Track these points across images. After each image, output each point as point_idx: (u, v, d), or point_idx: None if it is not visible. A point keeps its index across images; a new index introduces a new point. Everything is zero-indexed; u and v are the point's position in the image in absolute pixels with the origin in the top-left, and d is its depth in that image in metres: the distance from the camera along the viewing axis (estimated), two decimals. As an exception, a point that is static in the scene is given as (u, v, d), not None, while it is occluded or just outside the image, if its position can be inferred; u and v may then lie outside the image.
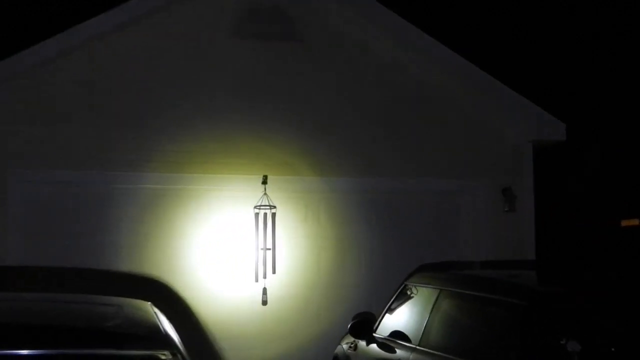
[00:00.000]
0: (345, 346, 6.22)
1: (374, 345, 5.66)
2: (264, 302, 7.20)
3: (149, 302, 4.06)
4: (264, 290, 7.19)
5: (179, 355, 3.13)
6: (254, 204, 7.25)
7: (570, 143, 8.25)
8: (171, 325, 3.64)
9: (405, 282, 5.80)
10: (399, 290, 5.85)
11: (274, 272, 7.21)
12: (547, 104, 8.21)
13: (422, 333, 5.09)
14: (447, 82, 7.92)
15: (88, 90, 7.24)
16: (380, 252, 7.75)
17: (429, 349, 4.90)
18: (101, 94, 7.28)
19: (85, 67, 7.24)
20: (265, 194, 7.28)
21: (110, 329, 3.30)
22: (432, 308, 5.15)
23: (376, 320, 5.87)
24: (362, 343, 5.87)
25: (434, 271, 5.90)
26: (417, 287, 5.61)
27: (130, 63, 7.34)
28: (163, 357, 3.08)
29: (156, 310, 3.87)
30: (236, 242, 7.42)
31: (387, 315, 5.80)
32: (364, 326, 5.86)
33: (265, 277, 7.16)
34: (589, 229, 11.84)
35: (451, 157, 7.88)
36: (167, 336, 3.30)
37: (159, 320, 3.57)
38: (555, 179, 10.44)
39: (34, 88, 7.12)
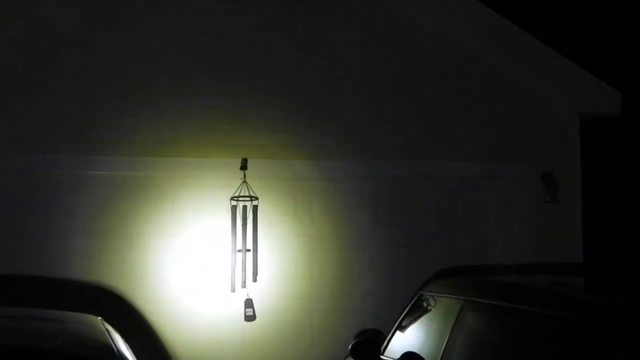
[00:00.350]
0: (345, 372, 6.24)
1: (381, 371, 5.68)
2: (248, 317, 7.19)
3: (99, 317, 4.07)
4: (248, 302, 7.18)
5: (137, 384, 3.13)
6: (231, 195, 7.23)
7: (626, 116, 8.24)
8: (127, 346, 3.65)
9: (421, 292, 5.82)
10: (412, 302, 5.87)
11: (254, 279, 7.20)
12: (597, 69, 8.21)
13: (442, 355, 5.11)
14: (471, 37, 7.90)
15: (24, 57, 7.21)
16: (389, 254, 7.77)
17: (450, 374, 4.92)
18: (40, 59, 7.24)
19: (19, 27, 7.22)
20: (244, 181, 7.27)
21: (50, 349, 3.30)
22: (455, 324, 5.18)
23: (384, 340, 5.88)
24: (366, 368, 5.88)
25: (457, 277, 5.91)
26: (436, 298, 5.64)
27: (76, 24, 7.32)
28: (117, 386, 3.07)
29: (108, 327, 3.88)
30: (208, 242, 7.42)
31: (397, 332, 5.83)
32: (368, 346, 5.88)
33: (244, 286, 7.15)
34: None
35: (477, 135, 7.87)
36: (121, 359, 3.30)
37: (112, 339, 3.58)
38: (607, 162, 10.45)
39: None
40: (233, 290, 7.16)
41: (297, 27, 7.70)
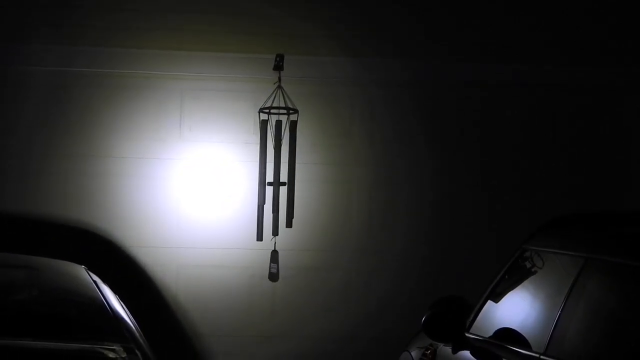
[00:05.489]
0: (415, 353, 6.35)
1: (466, 353, 5.76)
2: (273, 275, 7.33)
3: (83, 266, 4.18)
4: (274, 256, 7.31)
5: (137, 353, 3.23)
6: (260, 106, 7.29)
7: None
8: (121, 304, 3.75)
9: (524, 246, 5.84)
10: (511, 261, 5.91)
11: (289, 224, 7.30)
12: None
13: (552, 333, 5.16)
14: None
15: None
16: (473, 194, 7.90)
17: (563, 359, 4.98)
18: None
19: None
20: (279, 86, 7.32)
21: (22, 304, 3.41)
22: (571, 290, 5.21)
23: (471, 312, 5.95)
24: (445, 348, 5.99)
25: (576, 228, 5.92)
26: (544, 255, 5.66)
27: None
28: (112, 355, 3.17)
29: (95, 277, 3.99)
30: (227, 170, 7.59)
31: (490, 302, 5.88)
32: (448, 320, 5.95)
33: (275, 232, 7.26)
34: None
35: (607, 28, 7.82)
36: (117, 320, 3.41)
37: (102, 294, 3.68)
38: None
39: None
40: (260, 239, 7.26)
41: None
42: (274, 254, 7.40)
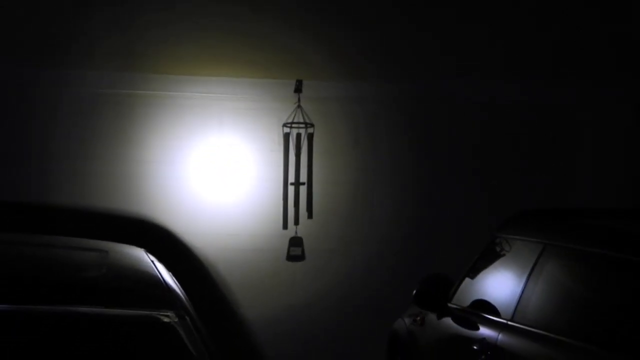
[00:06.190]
0: (408, 320, 6.36)
1: (448, 319, 5.78)
2: (293, 257, 7.38)
3: (142, 249, 4.20)
4: (295, 241, 7.35)
5: (187, 318, 3.25)
6: (283, 121, 7.32)
7: None
8: (173, 279, 3.77)
9: (495, 233, 5.84)
10: (485, 246, 5.90)
11: (309, 216, 7.33)
12: None
13: (517, 304, 5.16)
14: None
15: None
16: (461, 193, 7.90)
17: (526, 326, 4.97)
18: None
19: None
20: (299, 106, 7.34)
21: (94, 280, 3.43)
22: (533, 269, 5.20)
23: (452, 286, 5.95)
24: (431, 316, 6.00)
25: (537, 220, 5.90)
26: (512, 241, 5.65)
27: None
28: (166, 320, 3.19)
29: (152, 258, 4.01)
30: (258, 173, 7.62)
31: (467, 279, 5.88)
32: (435, 293, 5.95)
33: (297, 222, 7.29)
34: None
35: (565, 53, 7.78)
36: (170, 292, 3.44)
37: (158, 272, 3.70)
38: None
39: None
40: (285, 227, 7.31)
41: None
42: (294, 240, 7.43)
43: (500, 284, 5.57)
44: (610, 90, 7.87)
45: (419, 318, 6.17)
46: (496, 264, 5.75)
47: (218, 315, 7.22)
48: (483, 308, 5.51)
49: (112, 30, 7.29)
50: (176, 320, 3.18)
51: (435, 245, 7.78)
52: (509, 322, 5.12)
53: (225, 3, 7.14)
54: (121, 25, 7.26)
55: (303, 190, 7.38)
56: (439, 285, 6.02)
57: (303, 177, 7.37)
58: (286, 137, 7.32)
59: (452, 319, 5.76)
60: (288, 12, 7.17)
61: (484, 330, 5.30)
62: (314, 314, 7.69)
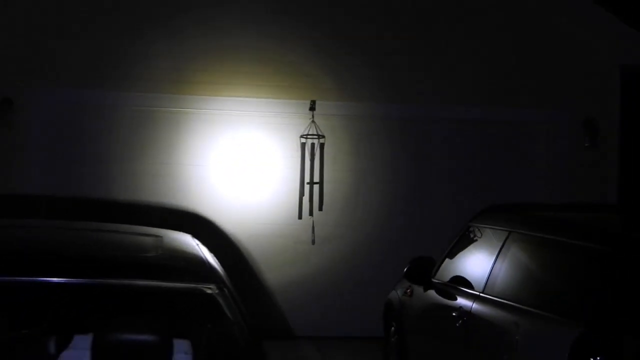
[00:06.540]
0: (400, 292, 6.36)
1: (432, 292, 5.78)
2: (313, 241, 7.37)
3: (189, 235, 4.21)
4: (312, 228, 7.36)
5: (225, 290, 3.26)
6: (300, 133, 7.34)
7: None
8: (214, 258, 3.78)
9: (470, 223, 5.84)
10: (461, 232, 5.91)
11: (320, 208, 7.35)
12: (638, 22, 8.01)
13: (487, 279, 5.16)
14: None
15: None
16: (441, 192, 7.86)
17: (494, 296, 4.98)
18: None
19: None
20: (312, 121, 7.36)
21: (152, 259, 3.45)
22: (499, 252, 5.20)
23: (435, 265, 5.95)
24: (418, 289, 5.99)
25: (504, 212, 5.91)
26: (483, 229, 5.66)
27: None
28: (209, 292, 3.21)
29: (197, 242, 4.02)
30: (280, 175, 7.61)
31: (447, 259, 5.88)
32: (421, 270, 5.96)
33: (311, 214, 7.31)
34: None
35: (525, 81, 7.79)
36: (212, 269, 3.45)
37: (202, 253, 3.72)
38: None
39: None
40: (300, 217, 7.33)
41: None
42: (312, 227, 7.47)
43: (473, 263, 5.58)
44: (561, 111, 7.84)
45: (408, 290, 6.18)
46: (470, 247, 5.76)
47: (247, 285, 7.24)
48: (460, 282, 5.53)
49: (166, 61, 7.35)
50: (217, 291, 3.18)
51: (422, 233, 7.74)
52: (481, 294, 5.13)
53: (259, 39, 7.18)
54: (174, 55, 7.31)
55: (315, 188, 7.37)
56: (425, 265, 6.03)
57: (316, 178, 7.38)
58: (302, 146, 7.35)
59: (435, 291, 5.76)
60: (305, 47, 7.20)
61: (461, 300, 5.31)
62: (323, 285, 7.67)
